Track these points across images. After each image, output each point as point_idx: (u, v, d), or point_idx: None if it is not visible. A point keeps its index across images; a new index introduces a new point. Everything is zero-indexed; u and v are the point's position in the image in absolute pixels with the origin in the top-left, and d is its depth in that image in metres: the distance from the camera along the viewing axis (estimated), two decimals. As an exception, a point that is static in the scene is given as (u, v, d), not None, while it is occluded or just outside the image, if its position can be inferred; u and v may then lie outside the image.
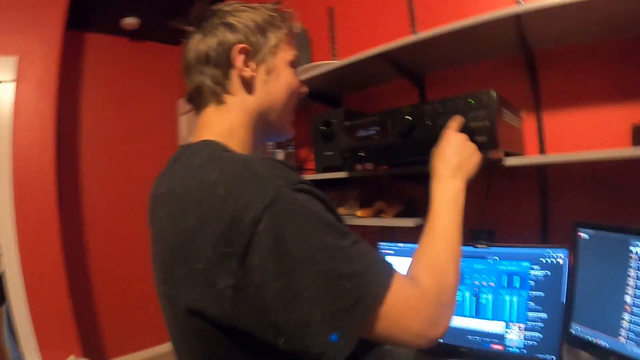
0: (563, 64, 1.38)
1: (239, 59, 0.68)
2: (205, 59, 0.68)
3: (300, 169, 1.95)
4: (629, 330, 1.03)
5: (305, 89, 0.79)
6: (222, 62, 0.68)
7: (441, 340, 1.26)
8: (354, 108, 1.81)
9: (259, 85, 0.70)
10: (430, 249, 0.66)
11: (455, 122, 0.92)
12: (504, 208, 1.49)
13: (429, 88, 1.66)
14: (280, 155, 1.86)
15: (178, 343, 0.61)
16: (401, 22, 1.76)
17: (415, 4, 1.71)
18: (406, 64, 1.53)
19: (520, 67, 1.43)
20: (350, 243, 0.52)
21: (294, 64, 0.76)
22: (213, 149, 0.61)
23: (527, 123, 1.42)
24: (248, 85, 0.70)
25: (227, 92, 0.69)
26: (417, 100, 1.66)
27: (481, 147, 0.96)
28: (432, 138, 0.91)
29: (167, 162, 0.70)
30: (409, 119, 1.09)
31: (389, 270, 0.55)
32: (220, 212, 0.49)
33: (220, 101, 0.69)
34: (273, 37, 0.72)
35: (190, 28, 0.71)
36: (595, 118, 1.33)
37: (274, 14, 0.73)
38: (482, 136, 0.96)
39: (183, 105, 3.30)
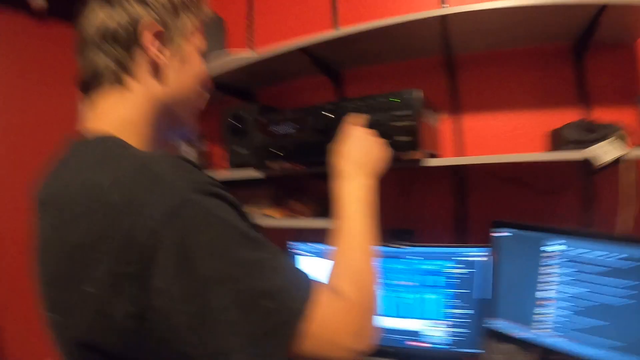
0: (483, 68, 1.43)
1: (149, 39, 0.56)
2: (109, 36, 0.55)
3: (210, 166, 1.82)
4: (548, 321, 1.11)
5: (211, 84, 0.70)
6: (129, 41, 0.56)
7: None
8: (268, 103, 1.73)
9: (170, 73, 0.60)
10: (348, 256, 0.61)
11: (360, 118, 0.87)
12: (422, 208, 1.52)
13: (348, 85, 1.64)
14: (190, 152, 1.70)
15: None
16: (323, 16, 1.70)
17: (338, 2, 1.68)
18: (325, 60, 1.49)
19: (440, 69, 1.47)
20: (268, 255, 0.46)
21: (202, 52, 0.66)
22: (109, 146, 0.51)
23: (446, 124, 1.46)
24: (157, 72, 0.58)
25: (130, 74, 0.57)
26: (334, 97, 1.64)
27: (403, 147, 0.94)
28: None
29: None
30: (329, 116, 1.04)
31: (312, 283, 0.49)
32: (114, 224, 0.41)
33: (120, 84, 0.57)
34: (186, 19, 0.61)
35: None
36: (513, 122, 1.40)
37: None
38: (405, 136, 0.94)
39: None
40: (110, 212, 0.41)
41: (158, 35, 0.57)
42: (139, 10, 0.56)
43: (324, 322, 0.46)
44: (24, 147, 2.75)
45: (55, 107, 2.92)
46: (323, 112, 1.05)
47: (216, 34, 1.77)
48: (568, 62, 1.33)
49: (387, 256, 1.28)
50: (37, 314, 0.50)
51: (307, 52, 1.35)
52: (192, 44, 0.63)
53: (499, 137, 1.41)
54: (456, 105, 1.45)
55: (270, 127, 1.19)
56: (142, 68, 0.57)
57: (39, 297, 0.51)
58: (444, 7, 1.09)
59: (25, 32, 2.74)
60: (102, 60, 0.56)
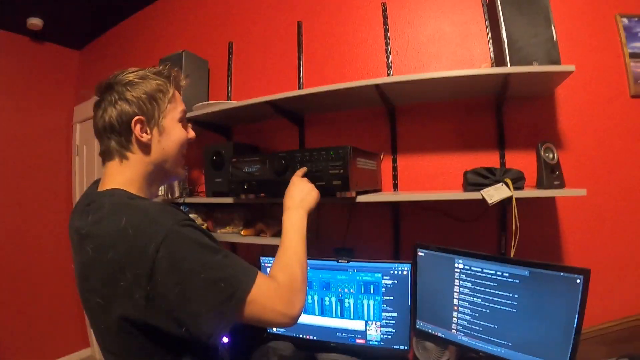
0: (416, 116, 1.73)
1: (137, 128, 0.83)
2: (111, 128, 0.83)
3: (192, 192, 2.09)
4: (457, 324, 1.38)
5: (192, 135, 0.96)
6: (124, 130, 0.83)
7: (314, 337, 1.54)
8: (242, 138, 2.03)
9: (154, 145, 0.86)
10: (283, 257, 0.91)
11: (300, 171, 1.22)
12: (364, 230, 1.81)
13: (307, 127, 1.95)
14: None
15: (108, 341, 0.78)
16: (289, 70, 2.02)
17: (304, 58, 1.99)
18: (290, 109, 1.79)
19: (383, 116, 1.77)
20: (222, 257, 0.75)
21: (182, 119, 0.93)
22: (118, 196, 0.79)
23: (387, 162, 1.74)
24: (145, 146, 0.85)
25: (129, 151, 0.85)
26: (297, 136, 1.94)
27: (337, 188, 1.22)
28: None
29: (79, 200, 0.89)
30: (283, 162, 1.33)
31: (254, 272, 0.77)
32: (131, 248, 0.69)
33: (123, 157, 0.85)
34: (162, 103, 0.87)
35: (96, 98, 0.87)
36: (440, 162, 1.69)
37: (160, 80, 0.88)
38: (338, 180, 1.23)
39: (79, 112, 3.17)
40: (127, 241, 0.69)
41: (141, 123, 0.84)
42: (126, 108, 0.83)
43: (261, 294, 0.75)
44: (14, 158, 2.92)
45: (45, 122, 3.10)
46: (282, 159, 1.34)
47: (202, 76, 2.06)
48: (489, 113, 1.62)
49: (333, 269, 1.55)
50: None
51: (273, 104, 1.65)
52: (170, 118, 0.89)
53: (428, 175, 1.70)
54: (394, 147, 1.74)
55: (240, 165, 1.47)
56: (135, 145, 0.85)
57: (82, 295, 0.80)
58: (388, 77, 1.39)
59: (21, 51, 2.94)
60: (109, 143, 0.85)
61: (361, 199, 1.33)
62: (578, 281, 1.11)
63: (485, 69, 1.42)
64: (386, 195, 1.44)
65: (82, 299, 0.81)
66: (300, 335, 1.64)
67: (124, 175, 0.85)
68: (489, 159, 1.60)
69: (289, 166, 1.32)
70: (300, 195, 1.09)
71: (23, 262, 2.96)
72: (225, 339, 1.59)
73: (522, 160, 1.52)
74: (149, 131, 0.85)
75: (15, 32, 2.88)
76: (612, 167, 1.53)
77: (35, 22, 2.65)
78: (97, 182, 0.91)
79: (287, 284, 0.83)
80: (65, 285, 3.15)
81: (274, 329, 1.68)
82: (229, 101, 1.83)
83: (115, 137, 0.84)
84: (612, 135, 1.54)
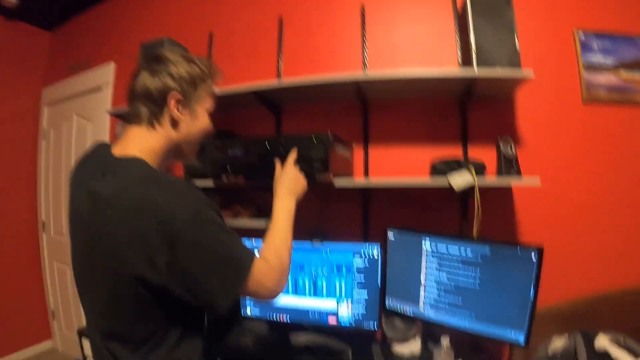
0: (388, 111, 1.86)
1: (172, 103, 0.88)
2: (148, 96, 0.88)
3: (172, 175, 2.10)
4: (425, 300, 1.51)
5: (212, 129, 1.02)
6: (159, 101, 0.88)
7: (288, 318, 1.61)
8: (219, 125, 2.04)
9: (182, 124, 0.91)
10: (273, 241, 0.99)
11: (292, 154, 1.28)
12: (336, 213, 1.91)
13: (285, 116, 2.03)
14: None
15: (111, 304, 0.82)
16: (269, 61, 2.10)
17: (284, 50, 2.07)
18: (268, 98, 1.87)
19: (357, 109, 1.89)
20: (233, 239, 0.83)
21: (210, 111, 0.99)
22: (145, 167, 0.83)
23: (358, 152, 1.86)
24: (174, 122, 0.91)
25: (158, 121, 0.89)
26: (274, 125, 2.02)
27: (318, 171, 1.31)
28: (282, 161, 1.23)
29: (86, 160, 0.92)
30: (267, 146, 1.41)
31: (252, 254, 0.86)
32: (158, 217, 0.73)
33: (151, 125, 0.89)
34: (200, 90, 0.93)
35: (142, 58, 0.91)
36: (408, 154, 1.83)
37: (204, 69, 0.94)
38: (319, 164, 1.32)
39: (47, 94, 3.09)
40: (156, 211, 0.73)
41: (178, 101, 0.89)
42: (169, 82, 0.88)
43: (258, 275, 0.84)
44: None
45: (11, 105, 2.98)
46: (266, 144, 1.41)
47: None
48: (454, 110, 1.78)
49: (305, 250, 1.63)
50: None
51: (254, 93, 1.72)
52: (202, 106, 0.96)
53: (396, 165, 1.83)
54: (366, 139, 1.87)
55: (224, 149, 1.53)
56: (166, 118, 0.90)
57: (86, 256, 0.83)
58: (364, 73, 1.50)
59: None
60: (142, 109, 0.89)
61: (339, 183, 1.43)
62: (533, 256, 1.26)
63: (454, 70, 1.56)
64: (362, 181, 1.55)
65: (87, 259, 0.84)
66: (275, 316, 1.71)
67: (146, 142, 0.88)
68: (453, 153, 1.74)
69: (273, 151, 1.40)
70: (292, 184, 1.17)
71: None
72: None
73: (483, 155, 1.66)
74: (181, 109, 0.90)
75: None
76: (564, 161, 1.72)
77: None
78: (103, 145, 0.93)
79: (277, 265, 0.92)
80: (26, 275, 3.06)
81: (248, 311, 1.74)
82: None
83: (149, 105, 0.89)
84: (565, 134, 1.74)
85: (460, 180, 1.41)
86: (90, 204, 0.82)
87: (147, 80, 0.88)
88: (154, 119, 0.89)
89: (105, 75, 2.66)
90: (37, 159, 3.12)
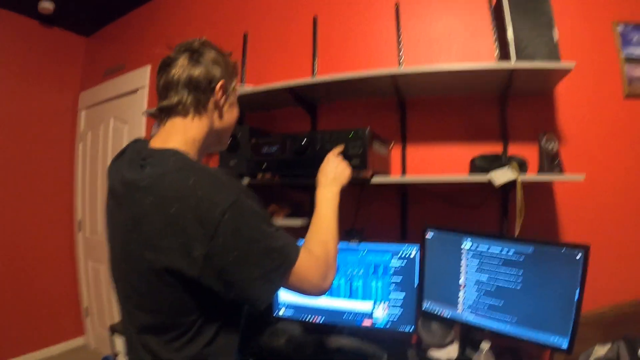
0: (425, 108, 1.82)
1: (220, 92, 0.89)
2: (195, 83, 0.86)
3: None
4: (464, 302, 1.45)
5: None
6: (206, 89, 0.87)
7: (322, 320, 1.59)
8: (256, 125, 2.06)
9: (225, 112, 0.93)
10: (318, 231, 0.96)
11: (336, 149, 1.26)
12: (373, 213, 1.88)
13: (320, 115, 2.02)
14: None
15: (147, 296, 0.80)
16: (304, 60, 2.09)
17: (319, 49, 2.06)
18: (304, 96, 1.86)
19: (393, 107, 1.85)
20: (275, 229, 0.80)
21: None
22: (183, 158, 0.80)
23: (395, 151, 1.83)
24: (219, 110, 0.92)
25: (205, 109, 0.89)
26: (310, 125, 2.01)
27: (356, 167, 1.29)
28: (320, 157, 1.20)
29: (124, 154, 0.90)
30: (304, 142, 1.39)
31: (297, 247, 0.83)
32: (198, 207, 0.71)
33: (198, 114, 0.88)
34: (235, 80, 0.96)
35: (178, 51, 0.88)
36: (447, 152, 1.79)
37: (233, 63, 0.96)
38: (357, 160, 1.29)
39: (84, 98, 3.19)
40: (195, 200, 0.71)
41: (223, 88, 0.90)
42: (215, 70, 0.88)
43: (302, 267, 0.81)
44: (18, 143, 2.90)
45: (50, 108, 3.10)
46: (303, 139, 1.39)
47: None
48: (494, 107, 1.73)
49: (342, 249, 1.55)
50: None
51: (290, 91, 1.72)
52: (234, 96, 0.97)
53: (434, 164, 1.79)
54: (404, 137, 1.83)
55: (259, 146, 1.53)
56: (210, 106, 0.89)
57: (123, 247, 0.81)
58: (399, 68, 1.47)
59: (30, 35, 2.94)
60: (187, 97, 0.86)
61: (376, 180, 1.40)
62: (578, 256, 1.20)
63: (493, 63, 1.52)
64: (399, 178, 1.53)
65: (122, 251, 0.83)
66: (308, 318, 1.69)
67: (189, 132, 0.87)
68: (493, 151, 1.68)
69: (310, 146, 1.38)
70: (334, 172, 1.14)
71: (22, 249, 2.94)
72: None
73: (524, 152, 1.59)
74: (224, 98, 0.92)
75: (26, 15, 2.87)
76: (606, 157, 1.64)
77: (46, 5, 2.65)
78: (140, 140, 0.93)
79: (323, 258, 0.89)
80: (62, 273, 3.15)
81: (282, 312, 1.72)
82: (245, 86, 1.88)
83: (195, 93, 0.87)
84: (606, 130, 1.66)
85: (500, 175, 1.36)
86: (127, 195, 0.81)
87: (191, 69, 0.86)
88: (200, 107, 0.88)
89: (141, 78, 2.73)
90: (75, 160, 3.23)
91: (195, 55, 0.87)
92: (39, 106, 3.02)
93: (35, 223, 3.01)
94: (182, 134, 0.87)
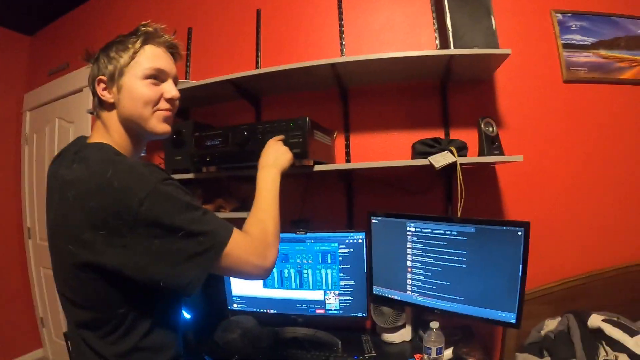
0: (368, 98, 1.84)
1: (99, 88, 0.88)
2: (90, 86, 0.91)
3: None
4: (412, 285, 1.48)
5: (170, 93, 0.91)
6: (94, 91, 0.90)
7: (275, 311, 1.59)
8: (200, 120, 2.04)
9: (117, 103, 0.88)
10: (256, 212, 0.96)
11: (277, 137, 1.26)
12: (319, 203, 1.89)
13: (264, 108, 2.01)
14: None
15: (74, 289, 0.80)
16: (248, 54, 2.07)
17: (262, 42, 2.05)
18: (247, 89, 1.84)
19: (336, 98, 1.87)
20: (201, 214, 0.78)
21: (150, 75, 0.88)
22: (106, 151, 0.82)
23: (339, 140, 1.85)
24: (109, 105, 0.89)
25: (101, 109, 0.90)
26: (254, 117, 2.00)
27: (297, 157, 1.29)
28: (261, 148, 1.19)
29: (66, 149, 0.91)
30: (245, 133, 1.38)
31: (230, 228, 0.82)
32: (115, 199, 0.71)
33: (98, 116, 0.91)
34: (120, 59, 0.87)
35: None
36: (389, 140, 1.81)
37: (127, 38, 0.89)
38: (297, 149, 1.29)
39: (29, 99, 3.05)
40: (112, 191, 0.71)
41: (100, 81, 0.88)
42: (93, 69, 0.90)
43: (236, 247, 0.80)
44: None
45: None
46: (244, 131, 1.38)
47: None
48: (434, 94, 1.77)
49: (291, 240, 1.61)
50: None
51: (233, 83, 1.70)
52: (130, 75, 0.87)
53: (378, 151, 1.82)
54: (347, 126, 1.85)
55: (202, 140, 1.50)
56: (104, 104, 0.89)
57: (52, 241, 0.82)
58: (342, 57, 1.50)
59: None
60: (92, 100, 0.92)
61: (318, 168, 1.41)
62: (520, 233, 1.25)
63: (433, 50, 1.55)
64: (341, 165, 1.54)
65: (52, 246, 0.84)
66: (262, 310, 1.69)
67: (101, 131, 0.90)
68: (435, 136, 1.72)
69: (251, 138, 1.38)
70: (275, 155, 1.14)
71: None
72: (187, 315, 1.61)
73: (465, 137, 1.64)
74: (109, 91, 0.88)
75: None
76: (547, 140, 1.72)
77: None
78: (81, 137, 0.93)
79: (261, 237, 0.88)
80: (13, 282, 3.00)
81: (234, 306, 1.71)
82: (189, 80, 1.85)
83: (93, 97, 0.91)
84: (546, 113, 1.74)
85: (440, 158, 1.40)
86: (57, 189, 0.81)
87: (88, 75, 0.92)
88: (97, 108, 0.91)
89: (86, 76, 2.59)
90: (21, 164, 3.08)
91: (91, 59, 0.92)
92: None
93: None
94: (100, 132, 0.90)
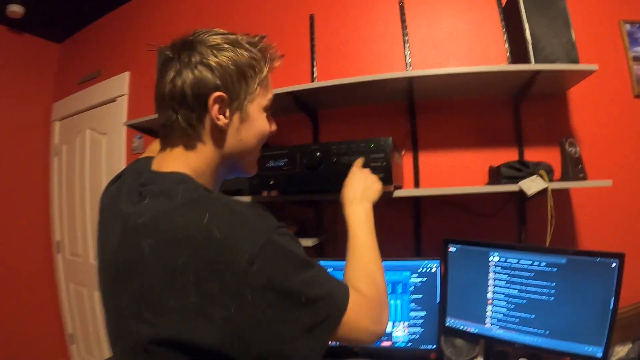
0: (435, 112, 1.71)
1: (215, 107, 0.65)
2: (180, 98, 0.65)
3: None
4: (492, 317, 1.37)
5: (274, 128, 0.77)
6: (197, 105, 0.65)
7: (337, 342, 1.47)
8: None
9: (230, 133, 0.69)
10: (360, 262, 0.78)
11: (359, 161, 1.12)
12: (384, 228, 1.75)
13: (321, 121, 1.88)
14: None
15: None
16: (301, 63, 1.96)
17: (317, 55, 1.94)
18: (305, 102, 1.72)
19: (402, 112, 1.74)
20: (317, 272, 0.63)
21: (269, 108, 0.75)
22: (192, 187, 0.62)
23: (406, 159, 1.71)
24: (220, 133, 0.68)
25: (198, 136, 0.67)
26: (311, 132, 1.87)
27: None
28: (335, 172, 1.08)
29: (126, 175, 0.73)
30: (318, 154, 1.26)
31: (346, 288, 0.66)
32: (217, 254, 0.54)
33: (190, 146, 0.67)
34: (252, 83, 0.69)
35: (169, 54, 0.67)
36: (460, 158, 1.68)
37: (256, 54, 0.70)
38: (380, 173, 1.17)
39: (58, 109, 2.97)
40: (212, 244, 0.54)
41: (219, 100, 0.65)
42: (206, 75, 0.64)
43: (353, 314, 0.64)
44: None
45: (21, 119, 2.85)
46: (316, 152, 1.26)
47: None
48: (507, 110, 1.64)
49: None
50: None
51: (294, 96, 1.58)
52: (256, 104, 0.71)
53: (448, 171, 1.69)
54: (415, 144, 1.72)
55: (264, 160, 1.37)
56: (207, 129, 0.67)
57: (113, 300, 0.63)
58: (422, 70, 1.37)
59: (0, 42, 2.68)
60: (174, 118, 0.65)
61: (398, 194, 1.29)
62: (613, 265, 1.16)
63: (517, 65, 1.45)
64: (425, 190, 1.42)
65: (113, 306, 0.65)
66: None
67: (190, 166, 0.67)
68: (509, 155, 1.60)
69: (324, 159, 1.26)
70: (364, 185, 0.97)
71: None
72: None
73: (540, 156, 1.53)
74: (228, 114, 0.68)
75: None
76: (623, 159, 1.59)
77: (15, 9, 2.41)
78: (142, 159, 0.77)
79: (376, 297, 0.71)
80: (43, 298, 2.92)
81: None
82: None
83: (184, 111, 0.65)
84: (615, 131, 1.61)
85: (532, 184, 1.28)
86: (122, 233, 0.62)
87: (178, 77, 0.64)
88: (192, 133, 0.67)
89: (120, 85, 2.54)
90: (50, 176, 3.00)
91: (184, 56, 0.65)
92: (8, 118, 2.77)
93: (9, 246, 2.76)
94: (181, 164, 0.67)
